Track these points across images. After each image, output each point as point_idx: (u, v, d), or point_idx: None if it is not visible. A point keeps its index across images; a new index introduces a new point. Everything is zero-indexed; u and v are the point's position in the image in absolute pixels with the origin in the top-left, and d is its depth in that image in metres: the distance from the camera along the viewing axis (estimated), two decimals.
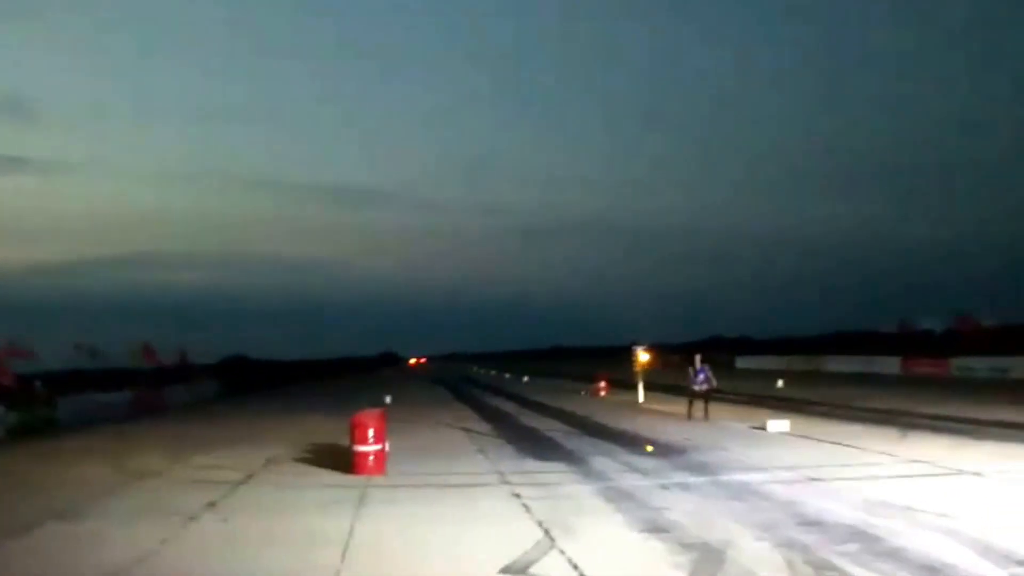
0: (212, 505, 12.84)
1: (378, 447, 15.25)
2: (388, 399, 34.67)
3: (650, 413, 27.45)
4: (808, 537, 9.41)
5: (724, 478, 13.86)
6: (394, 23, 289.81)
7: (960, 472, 13.57)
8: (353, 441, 15.28)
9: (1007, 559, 8.14)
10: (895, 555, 8.49)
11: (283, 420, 30.00)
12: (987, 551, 8.45)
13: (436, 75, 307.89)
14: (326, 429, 23.34)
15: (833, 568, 8.10)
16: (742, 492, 12.48)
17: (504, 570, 8.43)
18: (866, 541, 9.13)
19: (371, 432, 15.21)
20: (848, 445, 17.37)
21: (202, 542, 10.47)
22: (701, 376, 24.50)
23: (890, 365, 51.41)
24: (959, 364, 46.20)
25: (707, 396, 24.43)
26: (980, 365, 44.69)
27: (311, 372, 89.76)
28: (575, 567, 8.46)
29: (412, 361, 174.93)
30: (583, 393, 39.68)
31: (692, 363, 25.00)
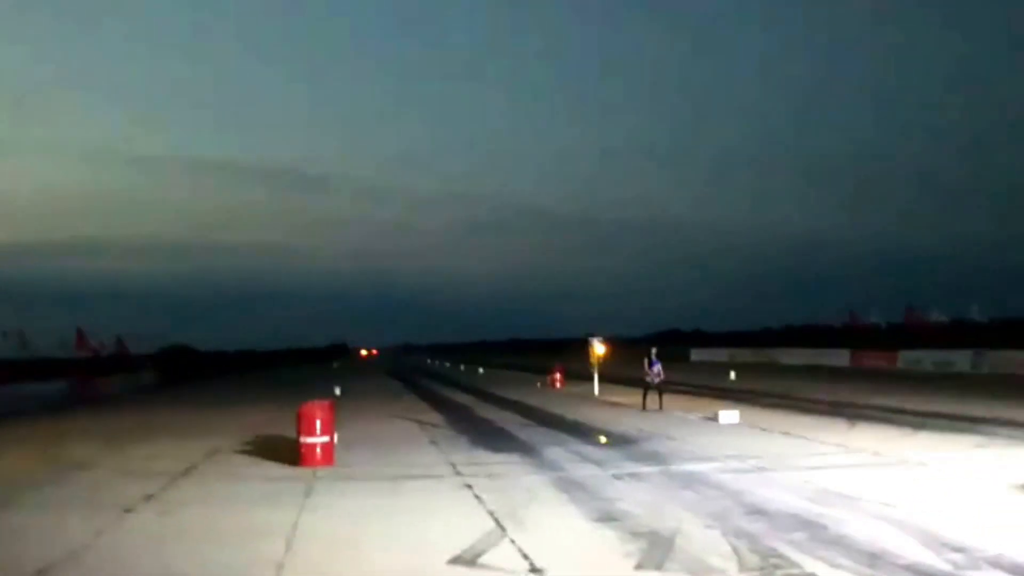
0: (150, 497, 12.54)
1: (325, 438, 15.07)
2: (338, 390, 34.38)
3: (604, 404, 27.55)
4: (756, 525, 9.47)
5: (675, 468, 13.93)
6: (345, 8, 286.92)
7: (904, 462, 13.79)
8: (300, 432, 15.07)
9: (947, 546, 8.26)
10: (839, 543, 8.57)
11: (227, 411, 29.60)
12: (928, 538, 8.56)
13: (385, 62, 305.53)
14: (273, 420, 23.05)
15: (779, 556, 8.15)
16: (692, 482, 12.54)
17: (453, 560, 8.35)
18: (812, 529, 9.21)
19: (318, 423, 15.02)
20: (797, 435, 17.59)
21: (139, 535, 10.22)
22: (655, 368, 24.76)
23: (840, 358, 52.31)
24: (906, 357, 47.14)
25: (660, 387, 24.71)
26: (926, 358, 45.64)
27: (258, 363, 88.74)
28: (525, 557, 8.41)
29: (364, 352, 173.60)
30: (539, 385, 39.74)
31: (648, 355, 25.32)
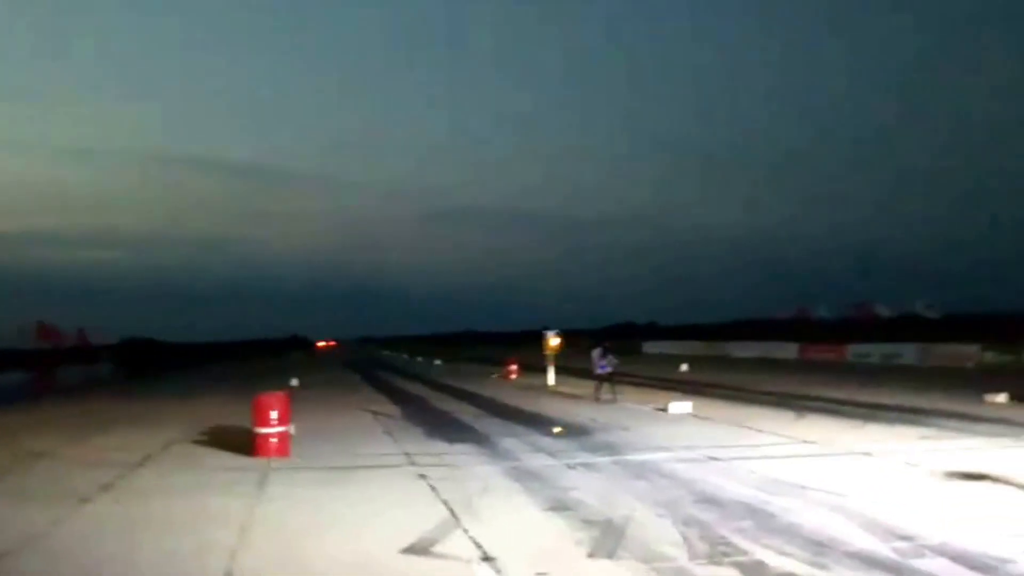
0: (107, 487, 12.52)
1: (281, 429, 15.04)
2: (295, 382, 34.23)
3: (559, 396, 27.73)
4: (706, 514, 9.67)
5: (628, 458, 14.12)
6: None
7: (851, 452, 14.10)
8: (255, 423, 15.04)
9: (891, 534, 8.50)
10: (787, 531, 8.78)
11: (185, 402, 29.38)
12: (873, 527, 8.80)
13: (339, 53, 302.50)
14: (229, 411, 22.91)
15: (728, 543, 8.34)
16: (644, 471, 12.74)
17: (407, 550, 8.44)
18: (760, 518, 9.42)
19: (274, 414, 14.98)
20: (747, 426, 17.89)
21: (96, 524, 10.21)
22: (603, 362, 25.29)
23: (789, 351, 53.04)
24: (854, 350, 47.90)
25: (611, 378, 25.11)
26: (874, 352, 46.41)
27: (216, 355, 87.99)
28: (478, 545, 8.52)
29: (321, 344, 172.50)
30: (494, 376, 39.86)
31: (597, 348, 25.83)
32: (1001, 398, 21.51)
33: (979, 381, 26.61)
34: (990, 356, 38.62)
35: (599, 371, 25.35)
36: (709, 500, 10.49)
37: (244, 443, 15.49)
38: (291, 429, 15.32)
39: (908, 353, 43.43)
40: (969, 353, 39.67)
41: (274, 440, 14.92)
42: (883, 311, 56.99)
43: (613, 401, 24.07)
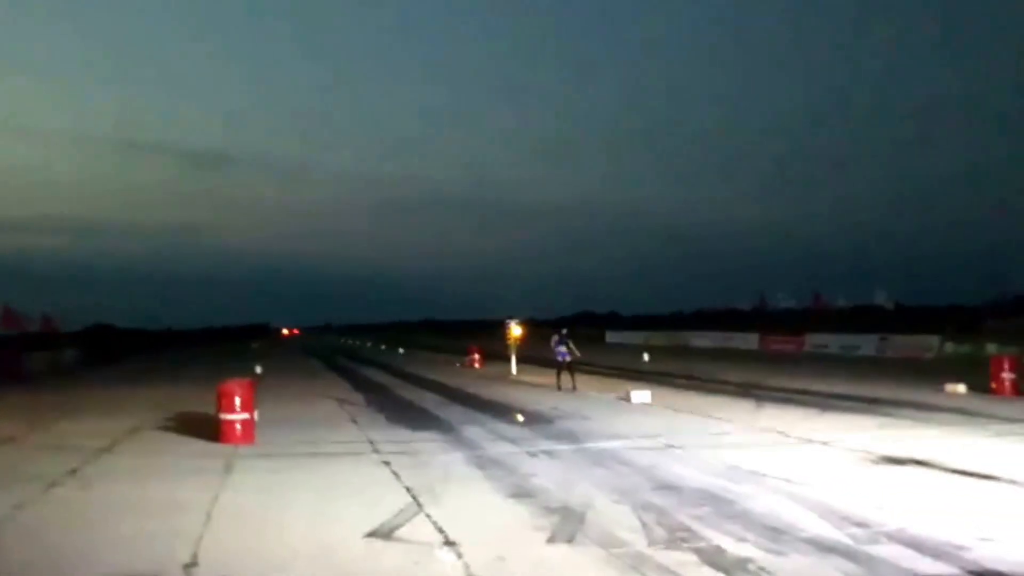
0: (73, 472, 12.48)
1: (245, 416, 15.03)
2: (259, 369, 34.05)
3: (521, 385, 27.88)
4: (664, 501, 9.84)
5: (588, 445, 14.29)
6: None
7: (809, 441, 14.35)
8: (220, 410, 15.03)
9: (846, 520, 8.70)
10: (744, 517, 8.96)
11: (150, 389, 29.15)
12: (829, 513, 9.00)
13: (304, 42, 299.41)
14: (194, 398, 22.80)
15: (686, 529, 8.50)
16: (604, 459, 12.90)
17: (370, 534, 8.52)
18: (718, 504, 9.60)
19: (238, 400, 14.98)
20: (706, 415, 18.13)
21: (61, 509, 10.19)
22: (561, 348, 25.48)
23: (749, 341, 53.60)
24: (813, 341, 48.52)
25: (571, 367, 25.33)
26: (833, 342, 47.04)
27: (180, 342, 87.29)
28: (440, 530, 8.63)
29: (284, 331, 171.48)
30: (457, 365, 39.94)
31: (557, 334, 26.08)
32: (960, 388, 21.94)
33: (939, 372, 27.09)
34: (950, 347, 39.31)
35: (559, 358, 25.56)
36: (668, 487, 10.67)
37: (209, 429, 15.47)
38: (255, 416, 15.32)
39: (867, 344, 44.06)
40: (928, 344, 40.37)
41: (239, 427, 14.92)
42: (839, 302, 57.62)
43: (573, 390, 24.27)
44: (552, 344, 26.03)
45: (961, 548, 7.63)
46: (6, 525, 9.34)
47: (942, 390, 22.02)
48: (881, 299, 56.38)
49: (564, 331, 26.48)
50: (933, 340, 40.47)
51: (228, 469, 12.54)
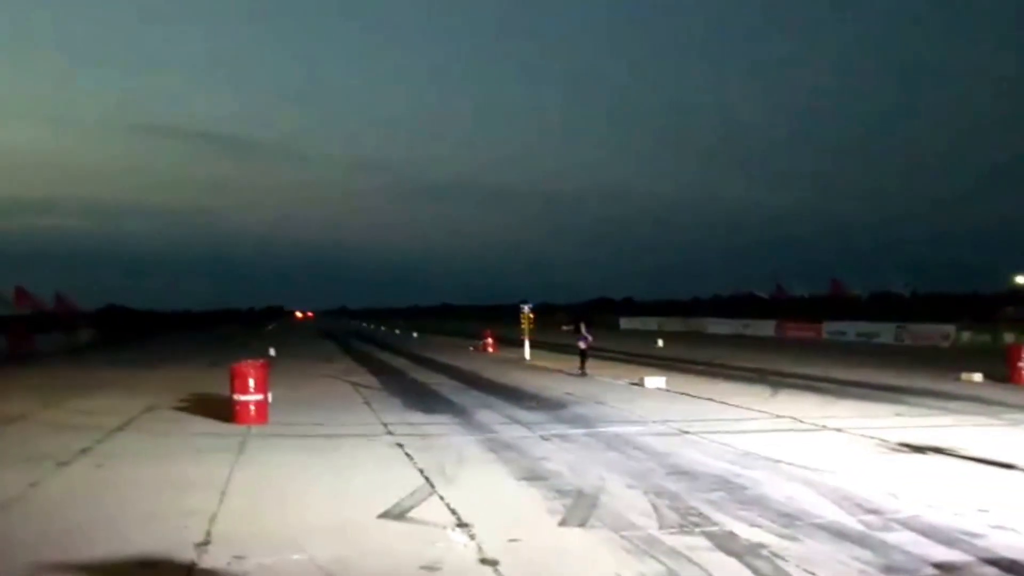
0: (86, 451, 12.57)
1: (259, 397, 15.09)
2: (272, 351, 34.22)
3: (535, 369, 27.88)
4: (677, 485, 9.81)
5: (601, 430, 14.27)
6: None
7: (824, 428, 14.29)
8: (234, 390, 15.09)
9: (860, 507, 8.65)
10: (757, 503, 8.93)
11: (164, 369, 29.41)
12: (843, 500, 8.96)
13: (311, 26, 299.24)
14: (208, 379, 22.95)
15: (698, 514, 8.48)
16: (618, 443, 12.88)
17: (383, 515, 8.53)
18: (731, 490, 9.57)
19: (252, 381, 15.03)
20: (721, 401, 18.07)
21: (74, 487, 10.25)
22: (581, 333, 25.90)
23: (765, 328, 53.38)
24: (830, 328, 48.28)
25: (583, 353, 25.56)
26: (850, 330, 46.80)
27: (195, 323, 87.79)
28: (453, 512, 8.63)
29: (299, 314, 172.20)
30: (471, 350, 39.99)
31: (580, 322, 26.33)
32: (977, 377, 21.83)
33: (955, 360, 26.94)
34: (966, 336, 39.05)
35: (580, 344, 25.72)
36: (681, 472, 10.64)
37: (223, 410, 15.54)
38: (269, 397, 15.37)
39: (885, 332, 43.83)
40: (945, 332, 40.12)
41: (252, 408, 14.98)
42: (856, 290, 57.24)
43: (584, 375, 24.33)
44: (581, 331, 26.21)
45: (974, 535, 7.58)
46: (21, 503, 9.41)
47: (958, 378, 21.90)
48: (899, 287, 55.93)
49: (584, 318, 26.78)
50: (950, 328, 40.19)
51: (241, 449, 12.59)
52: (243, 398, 14.98)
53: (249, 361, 15.95)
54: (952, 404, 17.29)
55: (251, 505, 9.12)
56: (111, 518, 8.63)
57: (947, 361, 27.67)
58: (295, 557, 7.13)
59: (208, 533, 7.88)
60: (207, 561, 7.03)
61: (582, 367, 25.14)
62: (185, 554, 7.20)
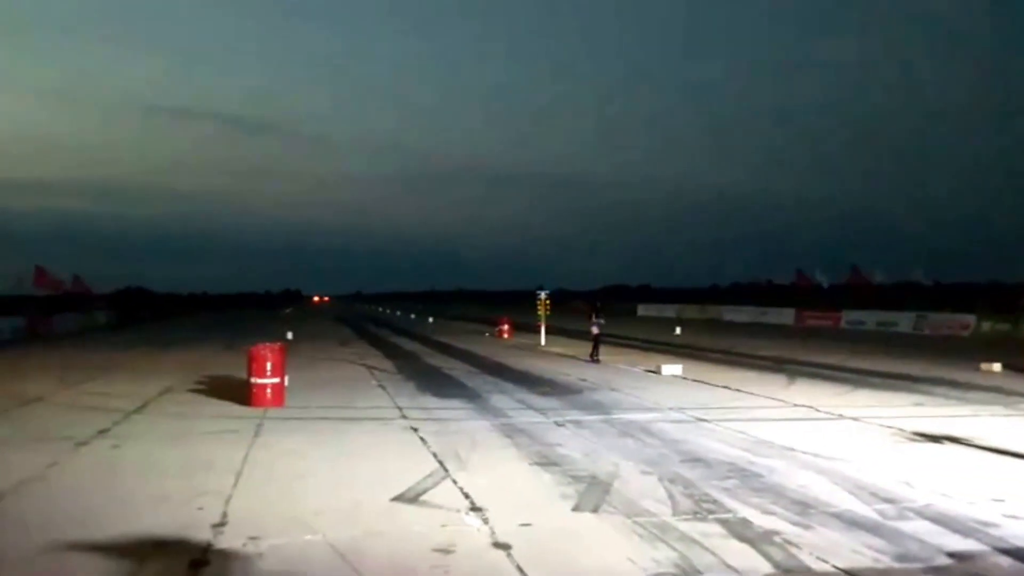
0: (103, 432, 12.68)
1: (276, 380, 15.17)
2: (290, 335, 34.38)
3: (550, 355, 27.86)
4: (691, 472, 9.80)
5: (616, 417, 14.25)
6: None
7: (840, 417, 14.22)
8: (251, 373, 15.18)
9: (875, 496, 8.62)
10: (772, 490, 8.91)
11: (181, 351, 29.60)
12: (858, 489, 8.92)
13: (336, 10, 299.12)
14: (225, 362, 23.13)
15: (713, 501, 8.46)
16: (632, 430, 12.86)
17: (397, 498, 8.57)
18: (746, 478, 9.55)
19: (269, 365, 15.12)
20: (737, 389, 18.01)
21: (91, 467, 10.36)
22: (600, 321, 25.71)
23: (784, 316, 53.14)
24: (849, 317, 48.01)
25: (597, 339, 25.51)
26: (869, 319, 46.48)
27: (212, 306, 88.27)
28: (466, 496, 8.66)
29: (315, 299, 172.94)
30: (487, 335, 40.02)
31: (594, 308, 26.21)
32: (996, 367, 21.67)
33: (975, 350, 26.75)
34: (987, 326, 38.73)
35: (594, 330, 25.65)
36: (696, 459, 10.62)
37: (240, 393, 15.65)
38: (286, 380, 15.45)
39: (904, 321, 43.53)
40: (965, 322, 39.82)
41: (269, 391, 15.07)
42: (877, 277, 56.73)
43: (596, 362, 24.34)
44: (592, 317, 26.11)
45: (988, 525, 7.55)
46: (40, 482, 9.51)
47: (977, 368, 21.74)
48: (919, 276, 55.43)
49: (597, 303, 26.65)
50: (971, 318, 39.88)
51: (258, 431, 12.67)
52: (260, 381, 15.07)
53: (266, 344, 16.03)
54: (970, 394, 17.18)
55: (266, 487, 9.17)
56: (127, 498, 8.71)
57: (967, 351, 27.47)
58: (309, 538, 7.19)
59: (223, 514, 7.95)
60: (222, 541, 7.09)
61: (595, 354, 25.10)
62: (201, 535, 7.26)
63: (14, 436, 12.43)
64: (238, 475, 9.69)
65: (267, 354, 15.26)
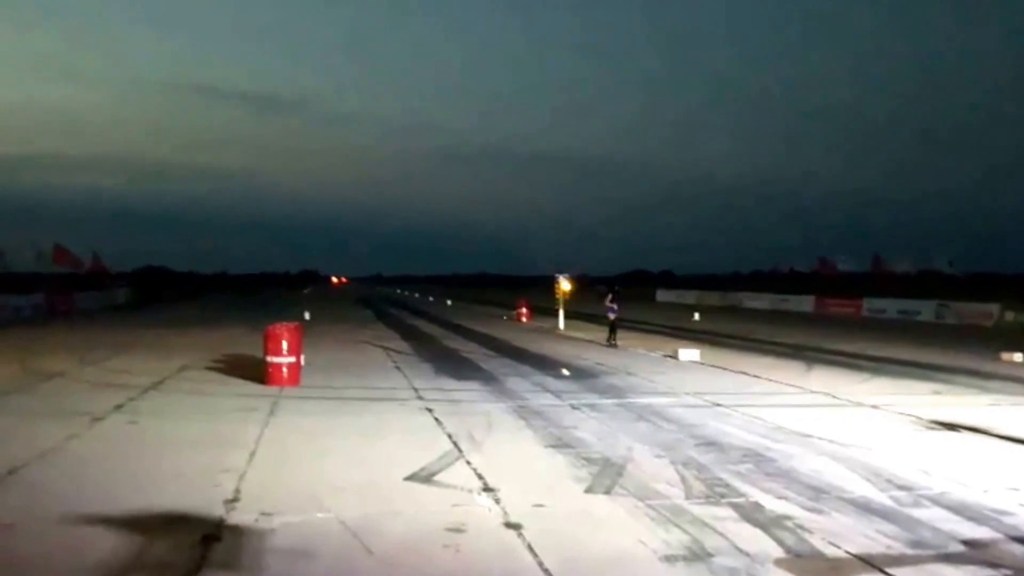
0: (121, 407, 12.80)
1: (292, 359, 15.24)
2: (307, 315, 34.51)
3: (568, 339, 27.84)
4: (705, 457, 9.76)
5: (632, 401, 14.22)
6: None
7: (858, 404, 14.13)
8: (267, 352, 15.25)
9: (890, 483, 8.55)
10: (786, 476, 8.86)
11: (199, 330, 29.81)
12: (873, 476, 8.86)
13: None
14: (243, 341, 23.24)
15: (726, 485, 8.43)
16: (648, 414, 12.83)
17: (410, 477, 8.59)
18: (760, 463, 9.50)
19: (285, 344, 15.19)
20: (755, 375, 17.93)
21: (108, 441, 10.46)
22: (614, 305, 25.66)
23: (804, 304, 52.80)
24: (870, 305, 47.63)
25: (613, 323, 25.48)
26: (890, 307, 46.09)
27: (231, 286, 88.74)
28: (479, 476, 8.68)
29: (335, 280, 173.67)
30: (505, 318, 40.03)
31: (611, 291, 26.16)
32: (1018, 357, 21.44)
33: (997, 340, 26.51)
34: (1010, 315, 38.32)
35: (609, 315, 25.60)
36: (711, 444, 10.58)
37: (256, 371, 15.75)
38: (302, 360, 15.52)
39: (926, 310, 43.11)
40: (988, 312, 39.42)
41: (285, 370, 15.15)
42: (900, 266, 56.19)
43: (614, 346, 24.29)
44: (607, 301, 26.01)
45: (1003, 513, 7.49)
46: (58, 454, 9.62)
47: (998, 358, 21.54)
48: (943, 265, 54.89)
49: (616, 288, 26.55)
50: (994, 308, 39.46)
51: (273, 410, 12.73)
52: (276, 360, 15.15)
53: (283, 324, 16.09)
54: (991, 384, 17.03)
55: (280, 465, 9.21)
56: (143, 472, 8.78)
57: (988, 341, 27.20)
58: (321, 516, 7.21)
59: (237, 490, 7.99)
60: (235, 517, 7.13)
61: (611, 338, 25.04)
62: (214, 510, 7.30)
63: (35, 410, 12.55)
64: (252, 452, 9.74)
65: (283, 333, 15.33)
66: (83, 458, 9.52)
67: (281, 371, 15.12)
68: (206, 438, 10.59)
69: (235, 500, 7.65)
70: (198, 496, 7.73)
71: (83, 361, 18.98)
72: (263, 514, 7.16)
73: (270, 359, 15.17)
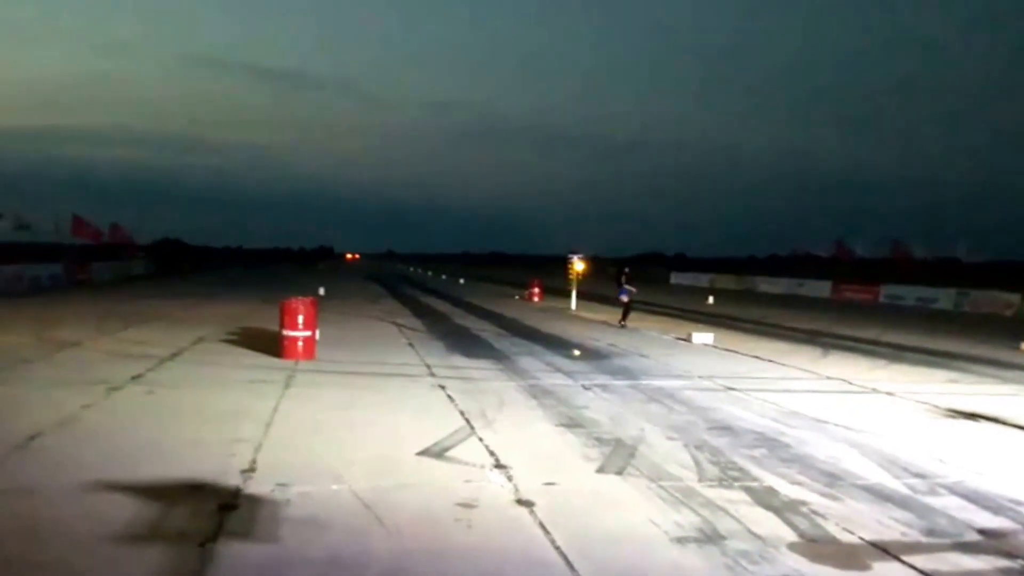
0: (137, 377, 12.85)
1: (307, 333, 15.29)
2: (322, 291, 34.60)
3: (580, 320, 27.81)
4: (718, 440, 9.75)
5: (644, 382, 14.21)
6: None
7: (874, 391, 14.07)
8: (283, 326, 15.31)
9: (906, 471, 8.52)
10: (800, 461, 8.85)
11: (216, 303, 29.94)
12: (889, 463, 8.83)
13: None
14: (259, 315, 23.35)
15: (739, 469, 8.42)
16: (660, 396, 12.81)
17: (422, 452, 8.62)
18: (774, 447, 9.48)
19: (301, 318, 15.23)
20: (769, 360, 17.87)
21: (124, 411, 10.52)
22: (627, 287, 25.56)
23: (820, 289, 52.54)
24: (888, 292, 47.34)
25: (626, 306, 25.39)
26: (908, 294, 45.78)
27: (247, 260, 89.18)
28: (491, 453, 8.69)
29: (349, 256, 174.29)
30: (517, 298, 40.02)
31: (622, 273, 26.06)
32: None
33: (1016, 329, 26.33)
34: None
35: (622, 297, 25.49)
36: (724, 428, 10.56)
37: (272, 345, 15.80)
38: (317, 334, 15.57)
39: (945, 297, 42.80)
40: (1008, 300, 39.10)
41: (300, 343, 15.21)
42: (919, 252, 55.67)
43: (625, 327, 24.25)
44: (622, 282, 25.88)
45: (1020, 503, 7.47)
46: (74, 423, 9.68)
47: (1017, 348, 21.40)
48: (963, 252, 54.36)
49: (626, 269, 26.44)
50: (1014, 297, 39.12)
51: (288, 383, 12.78)
52: (291, 334, 15.21)
53: (299, 298, 16.15)
54: (1009, 373, 16.95)
55: (295, 436, 9.26)
56: (159, 442, 8.84)
57: (1008, 330, 27.00)
58: (334, 487, 7.25)
59: (253, 461, 8.04)
60: (251, 487, 7.17)
61: (624, 320, 25.00)
62: (231, 480, 7.34)
63: (53, 379, 12.60)
64: (268, 424, 9.79)
65: (299, 307, 15.37)
66: (100, 427, 9.59)
67: (296, 344, 15.17)
68: (222, 409, 10.65)
69: (251, 470, 7.70)
70: (215, 466, 7.77)
71: (99, 331, 19.10)
72: (279, 485, 7.21)
73: (286, 332, 15.23)
